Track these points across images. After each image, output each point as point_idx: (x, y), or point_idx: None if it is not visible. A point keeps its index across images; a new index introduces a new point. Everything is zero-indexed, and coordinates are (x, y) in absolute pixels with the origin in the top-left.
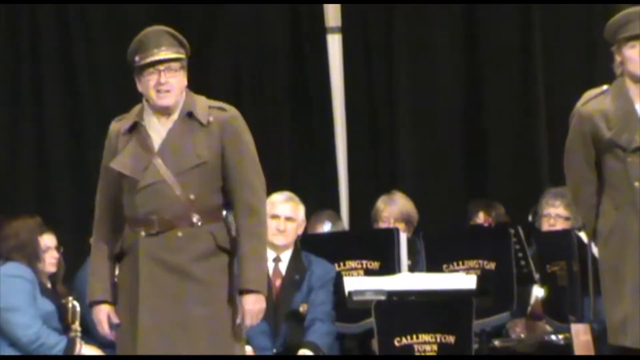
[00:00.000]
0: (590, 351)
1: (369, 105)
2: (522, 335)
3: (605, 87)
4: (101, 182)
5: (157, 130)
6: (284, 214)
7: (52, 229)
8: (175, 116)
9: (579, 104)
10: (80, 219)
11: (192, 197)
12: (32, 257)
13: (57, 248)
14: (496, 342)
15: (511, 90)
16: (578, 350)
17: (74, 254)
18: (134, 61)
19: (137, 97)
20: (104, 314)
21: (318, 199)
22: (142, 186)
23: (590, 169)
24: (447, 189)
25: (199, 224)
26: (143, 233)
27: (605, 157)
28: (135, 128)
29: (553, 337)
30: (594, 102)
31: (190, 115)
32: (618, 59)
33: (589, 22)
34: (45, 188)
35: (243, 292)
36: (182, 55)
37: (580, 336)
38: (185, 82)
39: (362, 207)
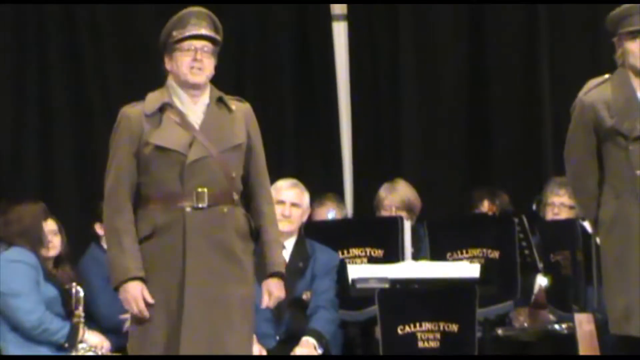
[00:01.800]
0: (593, 341)
1: (373, 93)
2: (526, 324)
3: (607, 76)
4: (118, 164)
5: (192, 109)
6: (289, 199)
7: (56, 215)
8: (206, 99)
9: (581, 93)
10: (84, 205)
11: (234, 174)
12: (35, 242)
13: (61, 233)
14: (499, 331)
15: (516, 79)
16: (581, 340)
17: (78, 239)
18: (171, 36)
19: (142, 84)
20: (139, 291)
21: (322, 186)
22: (191, 160)
23: (592, 158)
24: (451, 177)
25: (238, 203)
26: (188, 208)
27: (607, 145)
28: (164, 109)
29: (556, 326)
30: (596, 91)
31: (219, 100)
32: (620, 50)
33: (594, 13)
34: (50, 174)
35: (271, 275)
36: (219, 38)
37: (584, 325)
38: (213, 68)
39: (366, 194)
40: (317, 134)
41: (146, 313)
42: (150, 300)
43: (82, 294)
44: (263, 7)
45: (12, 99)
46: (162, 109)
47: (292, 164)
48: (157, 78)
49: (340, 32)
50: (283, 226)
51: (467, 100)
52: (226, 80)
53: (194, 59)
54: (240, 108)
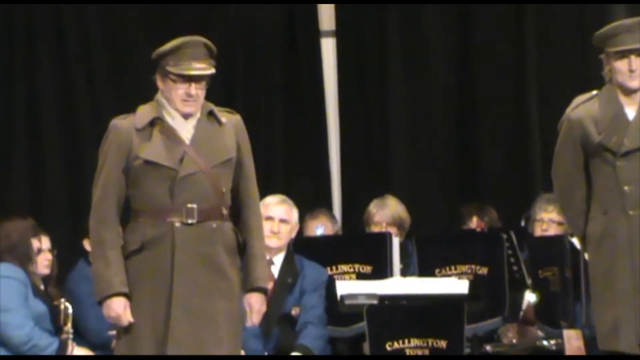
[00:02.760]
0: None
1: (362, 109)
2: (514, 341)
3: (594, 92)
4: (106, 176)
5: (183, 124)
6: (278, 216)
7: (45, 231)
8: (197, 114)
9: (568, 109)
10: (73, 221)
11: (223, 190)
12: (24, 258)
13: (51, 250)
14: (488, 347)
15: (504, 95)
16: (570, 356)
17: (66, 255)
18: (165, 63)
19: (133, 97)
20: (122, 307)
21: (311, 202)
22: (182, 176)
23: (580, 174)
24: (440, 193)
25: (226, 218)
26: (178, 223)
27: (595, 161)
28: (155, 123)
29: (545, 342)
30: (584, 107)
31: (210, 114)
32: (607, 67)
33: (582, 27)
34: (39, 190)
35: (253, 289)
36: (213, 70)
37: (572, 342)
38: (205, 91)
39: (355, 210)
40: (305, 150)
41: (126, 323)
42: (131, 319)
43: (70, 310)
44: (252, 22)
45: (1, 116)
46: (153, 123)
47: (280, 179)
48: (146, 92)
49: (328, 48)
50: (272, 242)
51: (456, 116)
52: (215, 96)
53: (188, 94)
54: (231, 120)
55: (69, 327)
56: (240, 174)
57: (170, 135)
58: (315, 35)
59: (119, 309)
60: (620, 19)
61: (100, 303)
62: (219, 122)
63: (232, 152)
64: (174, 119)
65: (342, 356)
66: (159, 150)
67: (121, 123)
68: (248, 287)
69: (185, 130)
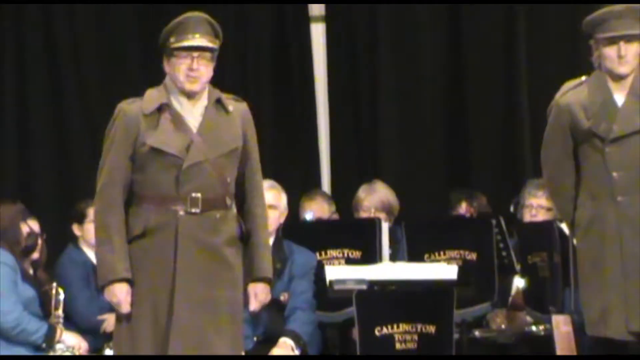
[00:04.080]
0: (571, 342)
1: (352, 94)
2: (503, 326)
3: (583, 78)
4: (112, 161)
5: (190, 112)
6: (267, 201)
7: (34, 216)
8: (205, 101)
9: (557, 95)
10: (62, 207)
11: (228, 179)
12: (13, 243)
13: (40, 235)
14: (476, 333)
15: (494, 81)
16: (559, 341)
17: (55, 241)
18: (169, 41)
19: (121, 86)
20: (124, 294)
21: (300, 188)
22: (187, 165)
23: (569, 160)
24: (429, 179)
25: (231, 207)
26: (182, 212)
27: (584, 147)
28: (162, 109)
29: (534, 328)
30: (573, 93)
31: (218, 102)
32: (596, 53)
33: (572, 16)
34: (28, 175)
35: (257, 279)
36: (217, 46)
37: (561, 327)
38: (212, 72)
39: (344, 196)
40: (295, 136)
41: (128, 312)
42: (128, 308)
43: (62, 295)
44: (241, 8)
45: None
46: (161, 109)
47: (269, 165)
48: (135, 80)
49: (318, 33)
50: None
51: (445, 102)
52: None
53: (190, 69)
54: (238, 108)
55: (59, 311)
56: (246, 164)
57: (178, 122)
58: (305, 20)
59: (121, 294)
60: (609, 5)
61: (103, 288)
62: (226, 110)
63: (238, 141)
64: (181, 105)
65: (335, 356)
66: (166, 138)
67: (129, 108)
68: (253, 276)
69: (193, 117)
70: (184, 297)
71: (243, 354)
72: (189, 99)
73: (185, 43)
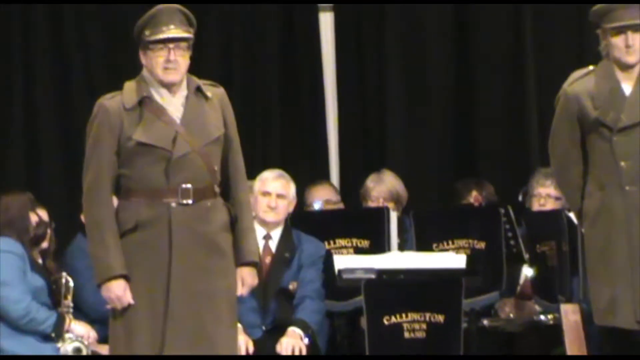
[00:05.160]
0: (579, 331)
1: (360, 83)
2: (511, 315)
3: (591, 67)
4: (99, 157)
5: (172, 103)
6: (275, 191)
7: (43, 205)
8: (184, 91)
9: (565, 84)
10: (70, 195)
11: (216, 167)
12: (22, 232)
13: (49, 224)
14: (485, 322)
15: (502, 71)
16: (567, 330)
17: (64, 230)
18: (143, 34)
19: (127, 74)
20: (122, 290)
21: (309, 177)
22: (176, 157)
23: (576, 149)
24: (437, 168)
25: (219, 195)
26: (174, 204)
27: (591, 137)
28: (144, 102)
29: (542, 317)
30: (580, 82)
31: (198, 89)
32: (604, 42)
33: (579, 6)
34: (36, 164)
35: (244, 264)
36: (191, 35)
37: (570, 316)
38: (189, 60)
39: (353, 185)
40: (303, 125)
41: (127, 303)
42: (131, 301)
43: (72, 283)
44: None
45: None
46: (142, 102)
47: (278, 154)
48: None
49: (326, 22)
50: (269, 217)
51: (453, 90)
52: (212, 71)
53: (167, 60)
54: (216, 94)
55: (69, 301)
56: (229, 150)
57: (160, 114)
58: (313, 9)
59: (119, 291)
60: None
61: (100, 286)
62: (206, 97)
63: (221, 128)
64: (162, 97)
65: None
66: (151, 131)
67: (109, 104)
68: (240, 260)
69: (175, 108)
70: (180, 288)
71: (242, 343)
72: (169, 90)
73: (161, 35)
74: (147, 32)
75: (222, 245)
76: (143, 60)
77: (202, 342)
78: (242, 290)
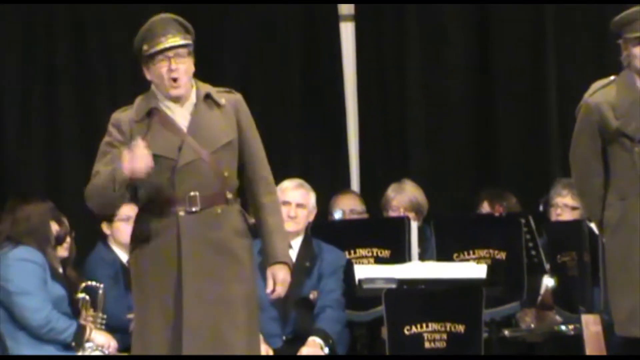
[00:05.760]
0: (600, 342)
1: (380, 92)
2: (532, 325)
3: (612, 77)
4: (106, 164)
5: (180, 113)
6: (295, 200)
7: (64, 214)
8: (193, 99)
9: (586, 94)
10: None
11: (226, 174)
12: (43, 241)
13: (70, 233)
14: (506, 332)
15: (523, 80)
16: (588, 341)
17: (84, 239)
18: (142, 50)
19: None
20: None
21: (330, 187)
22: (181, 165)
23: (597, 159)
24: (458, 177)
25: (232, 201)
26: (182, 212)
27: (612, 147)
28: (152, 114)
29: (563, 327)
30: (602, 92)
31: (207, 97)
32: (625, 52)
33: (601, 15)
34: (56, 174)
35: (275, 263)
36: (189, 41)
37: (591, 327)
38: (193, 67)
39: (373, 195)
40: (324, 134)
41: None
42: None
43: (101, 291)
44: (271, 7)
45: (18, 99)
46: (150, 113)
47: (298, 164)
48: None
49: (347, 32)
50: (289, 227)
51: (474, 100)
52: (233, 79)
53: (169, 70)
54: (230, 100)
55: (90, 312)
56: (245, 154)
57: (168, 124)
58: (334, 19)
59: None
60: (638, 5)
61: (120, 170)
62: (218, 105)
63: (232, 134)
64: (169, 108)
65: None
66: (158, 142)
67: (120, 115)
68: (269, 262)
69: (182, 117)
70: (192, 295)
71: (263, 352)
72: (176, 101)
73: (159, 47)
74: (145, 47)
75: (236, 251)
76: (148, 76)
77: (219, 349)
78: (271, 287)
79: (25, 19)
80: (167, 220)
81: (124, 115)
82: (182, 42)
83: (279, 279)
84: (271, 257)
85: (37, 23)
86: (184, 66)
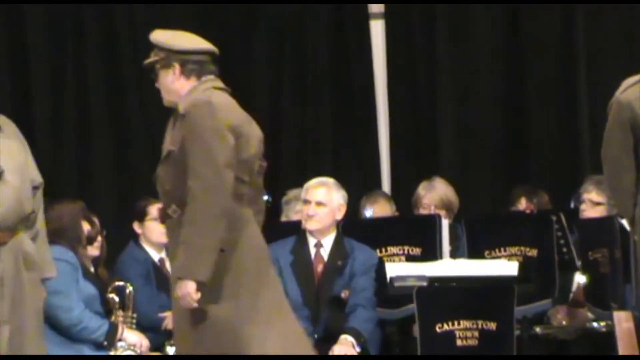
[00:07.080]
0: (632, 338)
1: (411, 90)
2: (564, 322)
3: None
4: None
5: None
6: (314, 199)
7: (95, 213)
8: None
9: (618, 92)
10: (122, 204)
11: (167, 187)
12: (74, 241)
13: (101, 232)
14: (537, 329)
15: (553, 77)
16: (620, 338)
17: (115, 239)
18: None
19: None
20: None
21: (361, 185)
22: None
23: (629, 156)
24: (489, 175)
25: (174, 215)
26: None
27: None
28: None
29: (595, 324)
30: (633, 89)
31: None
32: None
33: (631, 12)
34: (88, 173)
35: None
36: (157, 57)
37: (623, 323)
38: (170, 77)
39: (404, 193)
40: (354, 133)
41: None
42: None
43: (128, 290)
44: (301, 7)
45: (50, 100)
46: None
47: (329, 163)
48: None
49: (377, 30)
50: (308, 225)
51: (505, 98)
52: (264, 80)
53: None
54: (187, 109)
55: (120, 311)
56: (184, 166)
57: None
58: (364, 17)
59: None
60: None
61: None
62: (182, 115)
63: (172, 145)
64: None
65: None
66: None
67: None
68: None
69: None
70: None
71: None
72: (172, 115)
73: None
74: None
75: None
76: None
77: None
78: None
79: (54, 27)
80: None
81: None
82: (146, 61)
83: (176, 296)
84: (172, 271)
85: (67, 30)
86: (160, 80)
